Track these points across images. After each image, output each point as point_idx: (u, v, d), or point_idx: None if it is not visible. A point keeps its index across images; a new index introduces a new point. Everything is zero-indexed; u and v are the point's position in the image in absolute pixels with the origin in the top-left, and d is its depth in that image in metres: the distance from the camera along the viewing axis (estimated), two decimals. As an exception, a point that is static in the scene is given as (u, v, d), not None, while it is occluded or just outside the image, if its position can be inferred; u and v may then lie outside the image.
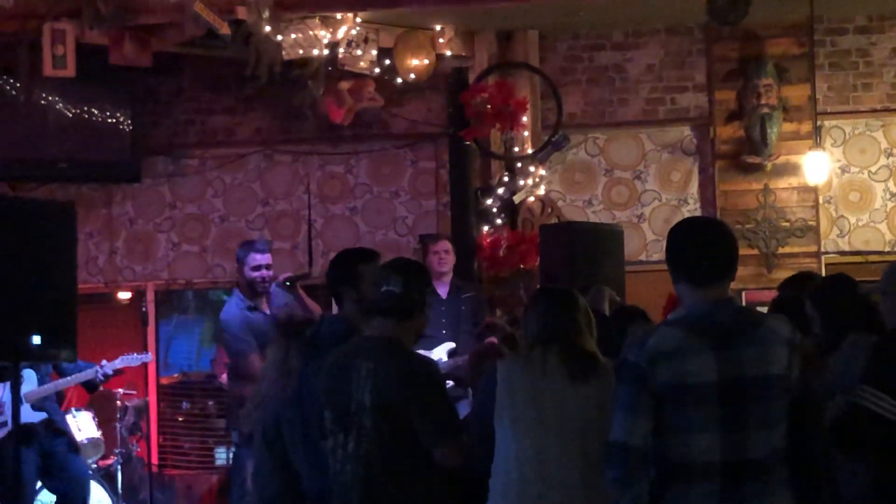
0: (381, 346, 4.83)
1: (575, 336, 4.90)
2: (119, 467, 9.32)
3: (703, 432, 3.80)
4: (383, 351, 4.80)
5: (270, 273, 8.10)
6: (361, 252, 5.74)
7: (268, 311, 8.05)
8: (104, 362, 8.59)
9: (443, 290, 8.92)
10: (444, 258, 9.03)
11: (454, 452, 4.75)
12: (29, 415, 8.04)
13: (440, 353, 8.43)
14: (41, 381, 8.32)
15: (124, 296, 11.00)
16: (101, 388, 8.89)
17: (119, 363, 8.78)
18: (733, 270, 4.00)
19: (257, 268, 8.07)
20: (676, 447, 3.83)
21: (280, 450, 5.50)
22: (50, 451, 8.27)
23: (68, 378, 8.52)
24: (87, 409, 9.40)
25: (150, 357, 9.35)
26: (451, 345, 8.63)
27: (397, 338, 4.86)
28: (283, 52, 9.13)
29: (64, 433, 8.46)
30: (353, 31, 9.37)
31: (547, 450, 4.74)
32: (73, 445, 8.53)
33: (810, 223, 10.17)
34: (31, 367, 8.22)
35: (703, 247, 3.98)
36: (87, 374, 8.52)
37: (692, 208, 10.44)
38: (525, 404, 4.83)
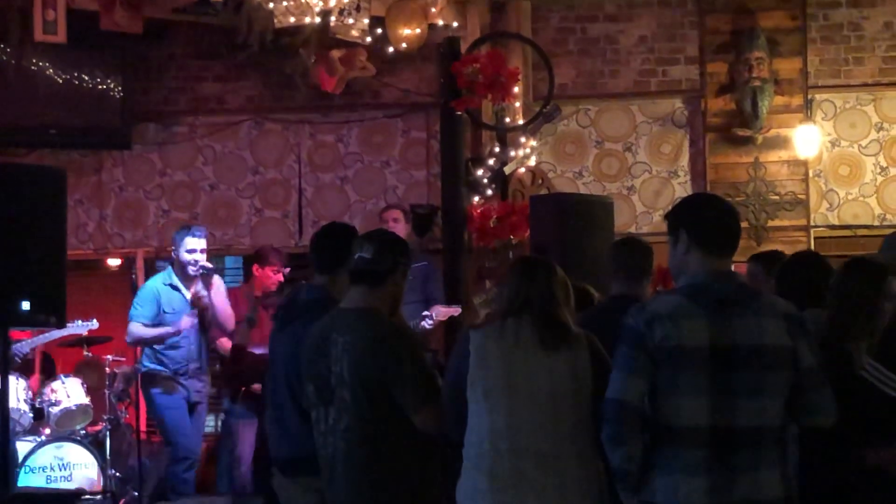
0: (356, 318, 4.86)
1: (549, 305, 4.89)
2: (107, 434, 9.31)
3: (691, 396, 3.90)
4: (357, 323, 4.83)
5: (202, 259, 8.67)
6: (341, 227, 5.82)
7: (188, 295, 8.72)
8: (24, 340, 8.65)
9: None
10: (391, 227, 9.05)
11: (433, 416, 4.79)
12: None
13: None
14: None
15: (114, 262, 10.99)
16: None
17: (65, 331, 8.87)
18: (736, 246, 4.17)
19: (191, 251, 8.62)
20: (667, 410, 3.94)
21: None
22: None
23: None
24: (75, 375, 9.40)
25: (95, 324, 9.41)
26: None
27: (371, 307, 4.88)
28: (275, 20, 9.09)
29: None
30: (345, 0, 9.35)
31: (519, 420, 4.73)
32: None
33: (800, 197, 10.19)
34: None
35: (718, 217, 4.16)
36: None
37: (682, 181, 10.45)
38: (497, 374, 4.81)
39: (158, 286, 8.77)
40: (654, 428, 3.97)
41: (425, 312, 8.68)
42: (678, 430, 3.92)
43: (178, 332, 8.61)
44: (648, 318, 3.96)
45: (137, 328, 8.72)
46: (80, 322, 9.14)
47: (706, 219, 4.16)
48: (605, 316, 5.19)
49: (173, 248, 8.78)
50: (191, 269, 8.61)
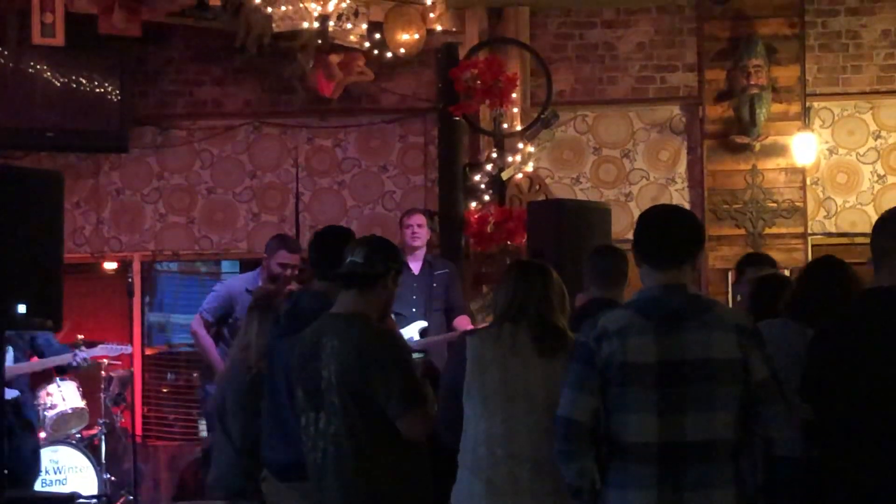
0: (344, 322, 4.83)
1: (545, 311, 4.89)
2: (103, 437, 9.31)
3: (640, 412, 3.92)
4: (346, 327, 4.80)
5: (292, 274, 8.33)
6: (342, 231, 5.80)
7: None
8: (82, 348, 8.64)
9: (415, 266, 8.88)
10: (417, 232, 8.99)
11: (419, 422, 4.74)
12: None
13: (411, 332, 8.39)
14: (16, 359, 8.31)
15: (110, 266, 10.98)
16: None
17: (98, 351, 8.85)
18: (688, 257, 4.12)
19: (283, 265, 8.30)
20: (617, 426, 3.96)
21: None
22: (17, 443, 8.24)
23: (44, 360, 8.54)
24: (71, 378, 9.38)
25: (129, 349, 9.45)
26: (423, 324, 8.63)
27: (360, 312, 4.86)
28: (273, 25, 9.10)
29: (32, 430, 8.48)
30: (344, 4, 9.34)
31: (516, 426, 4.74)
32: (35, 447, 8.52)
33: (797, 204, 10.19)
34: (8, 343, 8.21)
35: (658, 230, 4.18)
36: (63, 359, 8.57)
37: (680, 187, 10.46)
38: (494, 380, 4.81)
39: (238, 289, 8.48)
40: (607, 443, 3.99)
41: (449, 333, 8.60)
42: (628, 445, 3.95)
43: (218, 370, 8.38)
44: (598, 335, 3.99)
45: (198, 324, 8.50)
46: (115, 345, 9.16)
47: (647, 234, 4.21)
48: (585, 320, 5.19)
49: (266, 254, 8.45)
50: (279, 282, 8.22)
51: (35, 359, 8.59)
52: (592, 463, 3.99)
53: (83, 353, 8.62)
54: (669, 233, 4.16)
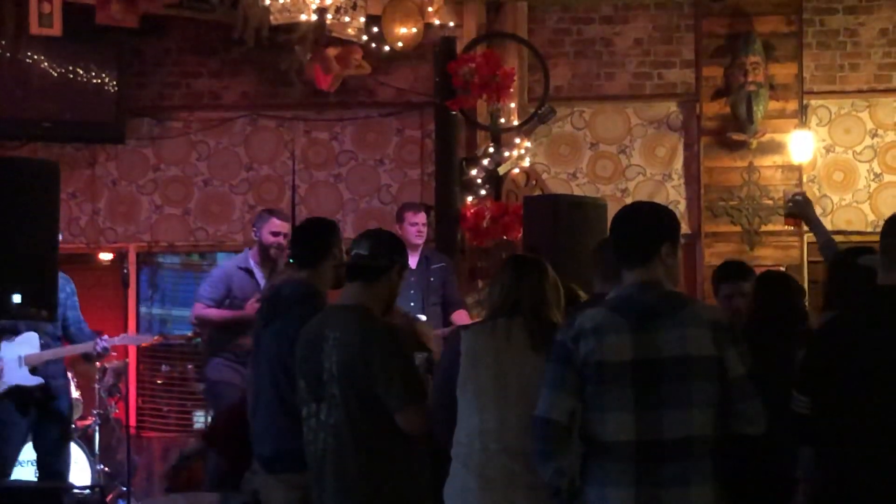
0: (347, 313, 4.88)
1: (540, 306, 4.90)
2: (97, 428, 9.30)
3: (617, 410, 3.94)
4: (348, 319, 4.85)
5: (284, 242, 8.30)
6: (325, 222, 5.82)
7: (262, 280, 8.35)
8: (105, 337, 8.62)
9: (412, 261, 8.86)
10: (423, 230, 9.01)
11: (417, 417, 4.79)
12: (26, 378, 8.00)
13: None
14: (44, 346, 8.26)
15: (106, 257, 10.97)
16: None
17: (118, 340, 8.85)
18: (652, 253, 4.10)
19: (275, 233, 8.37)
20: (594, 424, 3.99)
21: None
22: (42, 431, 8.23)
23: (68, 347, 8.50)
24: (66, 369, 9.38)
25: (150, 338, 9.45)
26: (421, 318, 8.62)
27: (363, 304, 4.89)
28: (271, 17, 9.09)
29: (60, 418, 8.34)
30: (342, -2, 9.35)
31: (509, 421, 4.75)
32: (66, 433, 8.44)
33: (794, 201, 10.19)
34: (33, 330, 8.15)
35: (620, 229, 4.23)
36: (85, 346, 8.52)
37: (676, 184, 10.46)
38: (488, 374, 4.82)
39: (232, 269, 8.56)
40: (585, 441, 4.02)
41: (447, 329, 8.57)
42: (606, 444, 3.97)
43: (245, 317, 8.10)
44: (575, 334, 4.01)
45: (200, 309, 8.50)
46: (138, 335, 9.25)
47: (614, 234, 4.25)
48: None
49: (254, 230, 8.54)
50: (272, 252, 8.33)
51: (67, 344, 8.53)
52: (572, 462, 4.01)
53: (104, 342, 8.58)
54: (629, 230, 4.20)
